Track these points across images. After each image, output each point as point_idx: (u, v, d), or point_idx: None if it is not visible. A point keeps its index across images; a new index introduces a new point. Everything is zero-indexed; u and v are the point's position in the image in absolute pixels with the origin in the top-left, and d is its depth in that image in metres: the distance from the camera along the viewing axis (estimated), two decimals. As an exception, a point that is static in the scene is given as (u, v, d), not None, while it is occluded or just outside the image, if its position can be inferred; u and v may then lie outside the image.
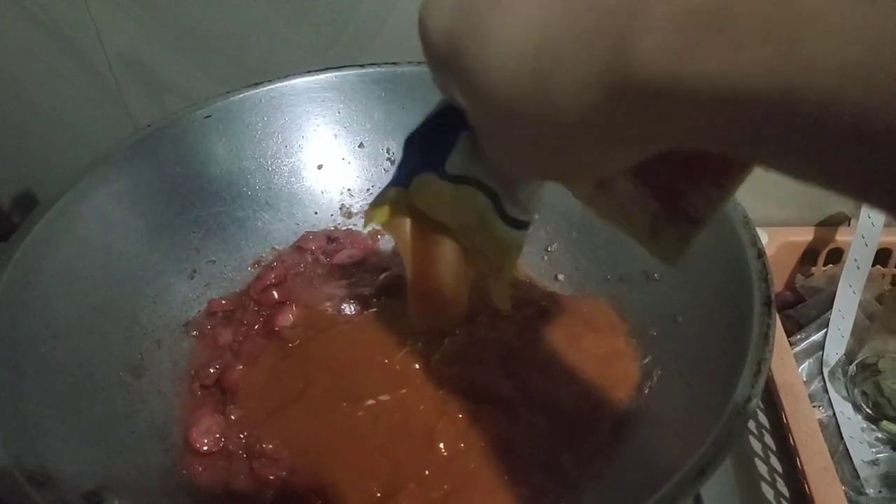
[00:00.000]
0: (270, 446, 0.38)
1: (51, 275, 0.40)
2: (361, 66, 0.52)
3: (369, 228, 0.54)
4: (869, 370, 0.55)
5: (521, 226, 0.29)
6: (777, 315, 0.35)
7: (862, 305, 0.57)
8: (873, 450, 0.52)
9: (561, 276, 0.50)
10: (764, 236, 0.52)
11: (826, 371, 0.56)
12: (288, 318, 0.45)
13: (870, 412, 0.54)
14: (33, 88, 0.60)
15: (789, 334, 0.58)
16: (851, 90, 0.12)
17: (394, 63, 0.52)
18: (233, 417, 0.40)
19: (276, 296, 0.47)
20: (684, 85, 0.15)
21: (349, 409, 0.39)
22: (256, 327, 0.45)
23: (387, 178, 0.55)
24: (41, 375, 0.37)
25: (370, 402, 0.39)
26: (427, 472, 0.36)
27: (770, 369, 0.50)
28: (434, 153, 0.28)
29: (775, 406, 0.51)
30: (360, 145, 0.54)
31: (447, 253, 0.31)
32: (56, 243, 0.41)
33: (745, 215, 0.39)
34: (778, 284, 0.65)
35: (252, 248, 0.52)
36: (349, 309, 0.46)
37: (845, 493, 0.45)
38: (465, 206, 0.28)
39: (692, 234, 0.24)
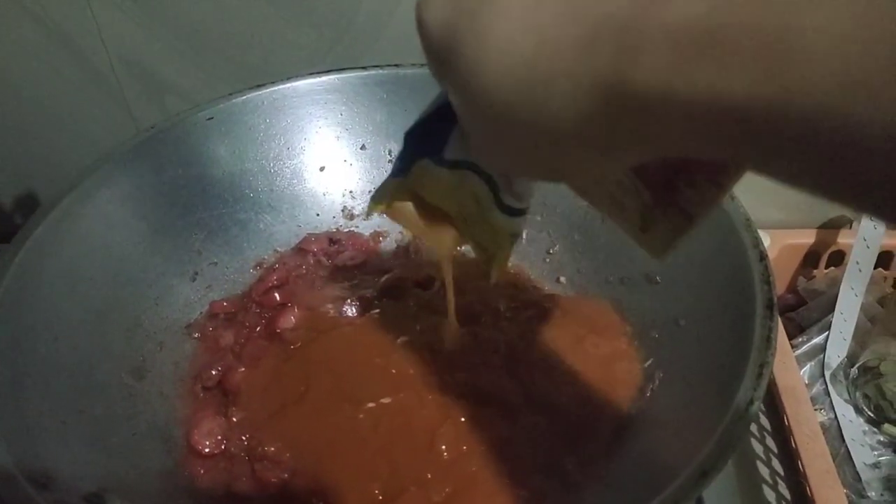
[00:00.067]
0: (272, 449, 0.38)
1: (52, 276, 0.40)
2: (364, 67, 0.52)
3: (371, 231, 0.55)
4: (871, 373, 0.55)
5: (517, 213, 0.30)
6: (778, 318, 0.35)
7: (864, 308, 0.57)
8: (875, 453, 0.52)
9: (563, 279, 0.50)
10: (766, 238, 0.52)
11: (828, 374, 0.56)
12: (290, 319, 0.45)
13: (871, 415, 0.54)
14: (35, 89, 0.60)
15: (791, 337, 0.58)
16: (835, 107, 0.13)
17: (396, 65, 0.52)
18: (234, 419, 0.40)
19: (277, 298, 0.47)
20: (678, 98, 0.15)
21: (350, 411, 0.39)
22: (258, 329, 0.45)
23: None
24: (43, 377, 0.37)
25: (371, 404, 0.39)
26: (428, 475, 0.36)
27: (771, 372, 0.50)
28: (432, 141, 0.28)
29: (777, 408, 0.51)
30: (363, 147, 0.54)
31: (448, 240, 0.31)
32: (58, 245, 0.41)
33: (748, 217, 0.39)
34: (780, 287, 0.65)
35: (254, 249, 0.52)
36: (351, 311, 0.46)
37: (847, 497, 0.44)
38: (462, 191, 0.29)
39: (684, 229, 0.24)
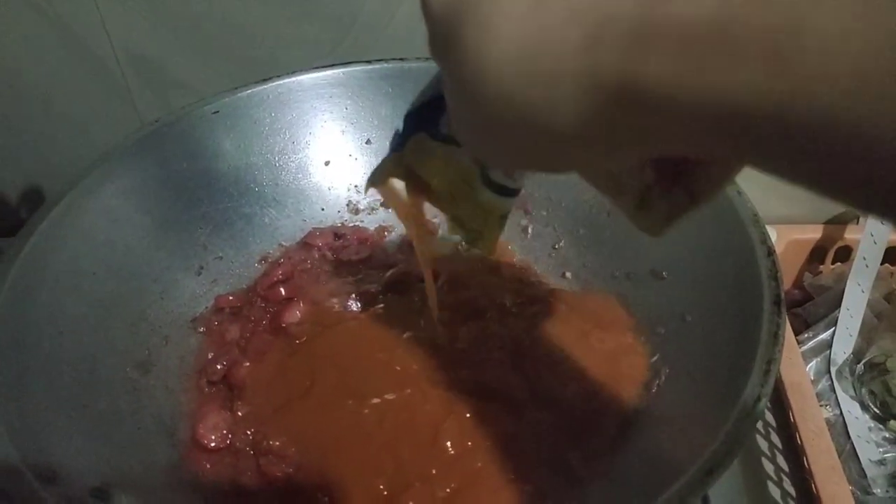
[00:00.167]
0: (277, 443, 0.38)
1: (57, 271, 0.40)
2: (368, 62, 0.52)
3: (376, 225, 0.54)
4: (877, 369, 0.55)
5: (509, 193, 0.29)
6: (786, 314, 0.34)
7: (870, 304, 0.57)
8: (881, 449, 0.52)
9: (568, 274, 0.50)
10: (772, 234, 0.52)
11: (833, 370, 0.56)
12: (295, 314, 0.44)
13: (877, 411, 0.53)
14: (39, 83, 0.60)
15: (797, 332, 0.58)
16: (841, 106, 0.13)
17: (401, 59, 0.52)
18: (240, 414, 0.40)
19: (283, 292, 0.47)
20: (684, 96, 0.15)
21: (355, 406, 0.39)
22: (263, 323, 0.45)
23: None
24: (47, 371, 0.37)
25: (376, 400, 0.39)
26: (433, 471, 0.36)
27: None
28: (429, 116, 0.28)
29: (782, 405, 0.50)
30: (368, 142, 0.54)
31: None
32: (63, 239, 0.41)
33: (755, 213, 0.39)
34: (786, 282, 0.64)
35: (259, 244, 0.52)
36: (356, 305, 0.46)
37: (852, 493, 0.44)
38: (452, 167, 0.28)
39: (686, 209, 0.24)
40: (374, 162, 0.54)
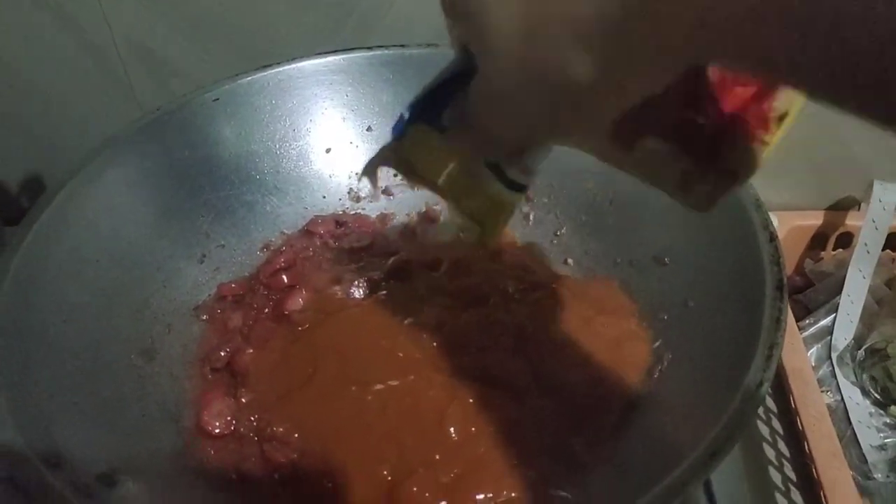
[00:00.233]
0: (281, 429, 0.38)
1: (60, 259, 0.40)
2: (369, 48, 0.52)
3: (378, 213, 0.54)
4: (878, 355, 0.55)
5: (519, 188, 0.29)
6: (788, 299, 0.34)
7: (871, 290, 0.57)
8: (881, 434, 0.52)
9: (570, 261, 0.50)
10: (774, 220, 0.52)
11: (835, 356, 0.56)
12: (297, 301, 0.45)
13: (878, 397, 0.54)
14: (39, 73, 0.60)
15: (798, 319, 0.58)
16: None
17: (402, 45, 0.51)
18: (244, 400, 0.40)
19: (285, 280, 0.47)
20: None
21: (358, 393, 0.39)
22: (266, 311, 0.45)
23: (395, 161, 0.55)
24: (52, 359, 0.37)
25: (379, 386, 0.39)
26: (437, 457, 0.36)
27: (779, 354, 0.50)
28: (432, 106, 0.28)
29: (783, 390, 0.51)
30: (369, 129, 0.54)
31: None
32: (65, 227, 0.41)
33: (758, 198, 0.39)
34: (787, 269, 0.64)
35: (261, 232, 0.52)
36: (358, 293, 0.46)
37: (853, 478, 0.45)
38: (455, 161, 0.28)
39: (728, 187, 0.24)
40: (376, 149, 0.54)
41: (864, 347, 0.55)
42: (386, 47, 0.52)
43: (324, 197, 0.54)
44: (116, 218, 0.45)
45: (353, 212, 0.54)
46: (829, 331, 0.57)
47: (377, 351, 0.41)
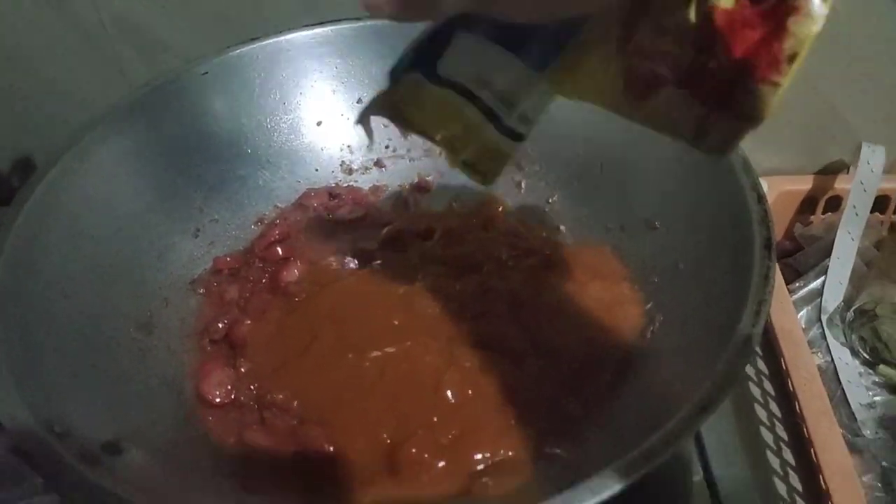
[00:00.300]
0: (280, 397, 0.38)
1: (56, 234, 0.41)
2: (357, 18, 0.51)
3: (370, 185, 0.55)
4: (866, 316, 0.56)
5: (517, 137, 0.29)
6: (776, 260, 0.35)
7: (860, 252, 0.58)
8: (870, 393, 0.53)
9: (562, 227, 0.50)
10: (763, 185, 0.52)
11: (824, 318, 0.57)
12: (293, 273, 0.45)
13: (867, 357, 0.55)
14: (28, 52, 0.59)
15: (788, 282, 0.58)
16: None
17: (391, 15, 0.51)
18: (243, 370, 0.41)
19: (280, 252, 0.47)
20: None
21: (356, 360, 0.40)
22: (262, 283, 0.46)
23: (386, 133, 0.55)
24: (52, 333, 0.37)
25: (376, 353, 0.40)
26: (435, 419, 0.37)
27: (769, 315, 0.51)
28: (426, 53, 0.27)
29: (774, 353, 0.51)
30: (359, 101, 0.54)
31: None
32: (60, 203, 0.41)
33: (746, 160, 0.39)
34: (777, 233, 0.65)
35: (254, 206, 0.52)
36: (353, 263, 0.46)
37: (843, 436, 0.46)
38: (449, 115, 0.28)
39: (743, 131, 0.24)
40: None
41: (853, 308, 0.56)
42: (374, 17, 0.51)
43: (316, 170, 0.54)
44: (110, 193, 0.45)
45: (345, 184, 0.54)
46: (819, 293, 0.58)
47: (373, 319, 0.42)
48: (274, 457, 0.36)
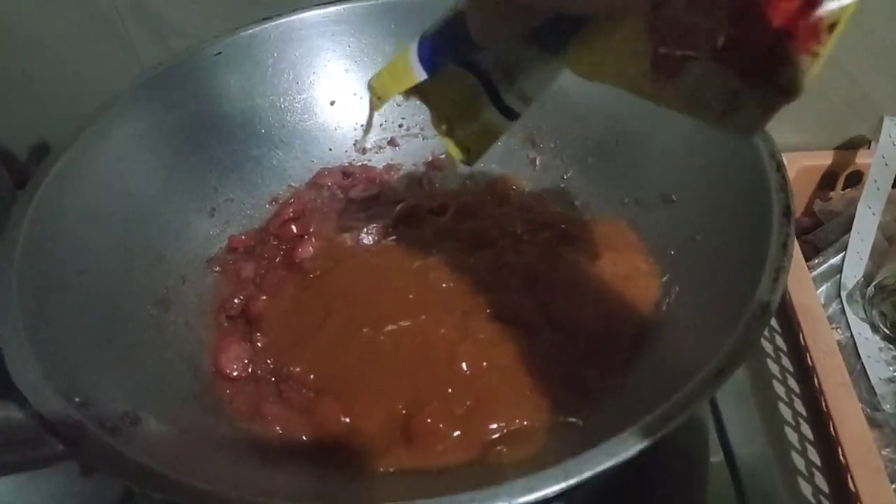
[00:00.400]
0: (297, 370, 0.39)
1: (73, 213, 0.41)
2: (370, -4, 0.51)
3: (384, 164, 0.55)
4: (887, 291, 0.55)
5: (512, 115, 0.29)
6: (794, 231, 0.34)
7: (881, 227, 0.57)
8: (890, 368, 0.52)
9: (578, 203, 0.50)
10: (782, 160, 0.52)
11: (844, 294, 0.56)
12: (308, 249, 0.45)
13: (888, 332, 0.54)
14: (41, 37, 0.60)
15: (807, 259, 0.58)
16: None
17: (403, -8, 0.51)
18: (259, 345, 0.41)
19: (294, 230, 0.47)
20: None
21: (371, 334, 0.40)
22: (277, 260, 0.46)
23: (399, 112, 0.55)
24: (71, 310, 0.38)
25: (392, 326, 0.40)
26: (450, 390, 0.37)
27: (787, 291, 0.51)
28: (453, 40, 0.27)
29: (793, 329, 0.51)
30: (372, 79, 0.53)
31: None
32: (77, 182, 0.42)
33: (764, 129, 0.38)
34: (796, 209, 0.64)
35: (269, 185, 0.52)
36: (367, 239, 0.46)
37: (862, 411, 0.45)
38: (456, 86, 0.28)
39: (780, 104, 0.23)
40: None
41: (873, 284, 0.55)
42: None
43: (330, 149, 0.54)
44: (126, 173, 0.45)
45: (359, 163, 0.54)
46: (839, 269, 0.57)
47: (388, 293, 0.42)
48: (290, 428, 0.37)
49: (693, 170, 0.42)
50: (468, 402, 0.36)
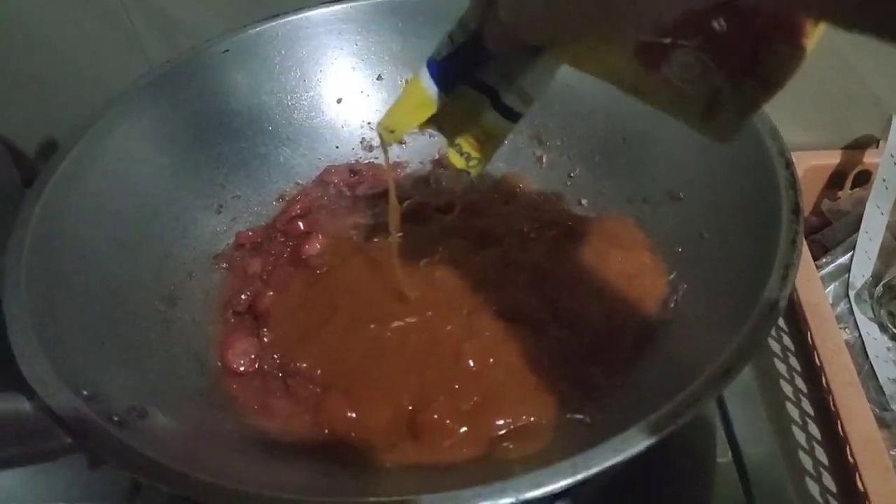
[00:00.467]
0: (304, 365, 0.39)
1: (80, 210, 0.41)
2: (377, -6, 0.51)
3: (391, 162, 0.54)
4: (895, 291, 0.55)
5: (513, 117, 0.29)
6: (803, 230, 0.34)
7: (889, 226, 0.57)
8: (899, 367, 0.52)
9: (584, 201, 0.50)
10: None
11: (852, 294, 0.56)
12: (315, 246, 0.45)
13: (896, 332, 0.54)
14: (48, 35, 0.60)
15: (815, 258, 0.57)
16: None
17: (409, -9, 0.51)
18: (266, 340, 0.41)
19: (301, 226, 0.47)
20: None
21: (378, 330, 0.40)
22: (284, 257, 0.46)
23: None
24: (79, 306, 0.38)
25: (398, 323, 0.40)
26: (456, 386, 0.37)
27: (795, 290, 0.50)
28: (466, 64, 0.28)
29: (800, 329, 0.51)
30: (379, 77, 0.54)
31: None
32: (83, 179, 0.42)
33: (773, 127, 0.38)
34: (805, 209, 0.64)
35: (276, 182, 0.52)
36: (374, 237, 0.46)
37: (870, 410, 0.45)
38: (460, 101, 0.28)
39: (760, 100, 0.23)
40: (387, 98, 0.54)
41: (882, 283, 0.55)
42: (396, -9, 0.51)
43: (337, 147, 0.54)
44: (133, 170, 0.45)
45: (366, 161, 0.54)
46: (847, 269, 0.57)
47: (395, 291, 0.42)
48: (297, 423, 0.37)
49: (700, 167, 0.42)
50: (475, 399, 0.36)
